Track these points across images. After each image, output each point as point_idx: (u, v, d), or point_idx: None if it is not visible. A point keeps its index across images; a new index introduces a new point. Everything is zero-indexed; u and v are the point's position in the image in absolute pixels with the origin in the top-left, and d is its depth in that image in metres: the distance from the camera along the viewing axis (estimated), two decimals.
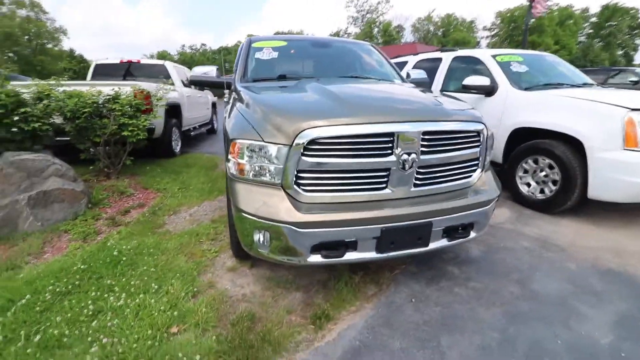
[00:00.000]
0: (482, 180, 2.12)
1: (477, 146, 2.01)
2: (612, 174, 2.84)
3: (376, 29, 51.99)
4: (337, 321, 1.93)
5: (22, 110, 3.19)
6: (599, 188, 2.95)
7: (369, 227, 1.76)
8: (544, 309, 2.01)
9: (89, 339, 1.73)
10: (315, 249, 1.80)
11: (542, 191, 3.45)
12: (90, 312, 1.92)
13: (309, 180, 1.76)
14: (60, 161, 3.31)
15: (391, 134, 1.73)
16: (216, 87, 3.00)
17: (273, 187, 1.80)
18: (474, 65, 4.26)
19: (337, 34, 63.21)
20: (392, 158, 1.76)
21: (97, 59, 6.71)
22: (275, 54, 3.06)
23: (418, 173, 1.85)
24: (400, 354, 1.69)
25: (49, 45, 28.87)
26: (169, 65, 6.57)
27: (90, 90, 3.72)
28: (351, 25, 57.58)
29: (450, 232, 2.01)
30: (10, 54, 24.27)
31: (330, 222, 1.72)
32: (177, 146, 6.01)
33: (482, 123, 2.00)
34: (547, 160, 3.31)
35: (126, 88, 4.18)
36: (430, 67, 5.04)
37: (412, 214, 1.81)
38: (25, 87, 3.67)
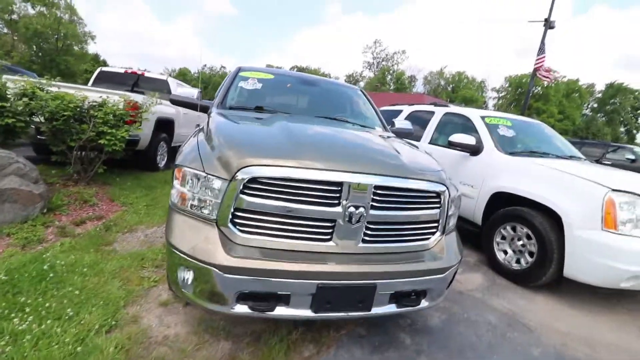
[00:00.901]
0: (441, 244, 1.97)
1: (437, 208, 1.88)
2: (588, 254, 2.69)
3: (389, 77, 54.31)
4: None
5: None
6: (574, 267, 2.78)
7: (304, 281, 1.59)
8: None
9: None
10: (242, 298, 1.62)
11: (518, 261, 3.27)
12: None
13: (247, 221, 1.63)
14: (25, 160, 3.21)
15: (339, 184, 1.62)
16: (194, 109, 2.95)
17: (208, 223, 1.66)
18: (463, 123, 4.26)
19: (351, 76, 66.08)
20: (339, 209, 1.63)
21: (115, 65, 6.85)
22: (259, 85, 3.06)
23: (367, 229, 1.72)
24: None
25: (75, 47, 30.16)
26: (172, 81, 6.69)
27: (74, 95, 3.70)
28: (366, 70, 60.36)
29: (398, 298, 1.82)
30: (35, 49, 25.38)
31: (261, 271, 1.56)
32: (162, 161, 5.95)
33: (444, 185, 1.89)
34: (525, 230, 3.17)
35: (114, 97, 4.18)
36: (423, 118, 5.08)
37: (354, 273, 1.64)
38: (14, 82, 3.67)
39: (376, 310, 1.76)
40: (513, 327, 2.51)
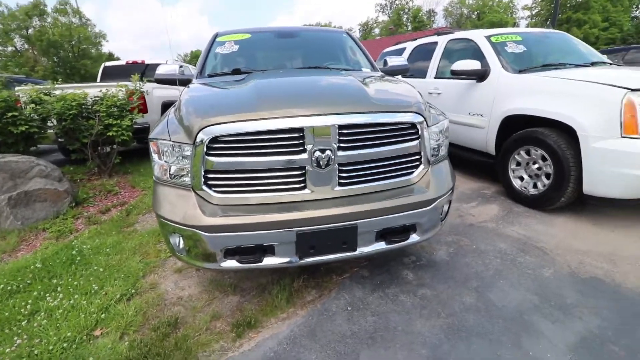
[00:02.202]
0: (428, 176, 1.89)
1: (415, 139, 1.78)
2: (608, 166, 2.45)
3: (405, 16, 50.05)
4: (261, 329, 1.83)
5: (10, 114, 3.38)
6: (594, 182, 2.56)
7: (282, 230, 1.63)
8: (494, 323, 1.77)
9: (15, 338, 1.78)
10: (229, 254, 1.70)
11: (535, 186, 3.08)
12: (27, 312, 1.97)
13: (219, 182, 1.66)
14: (46, 162, 3.48)
15: (300, 129, 1.58)
16: (180, 84, 2.95)
17: (185, 189, 1.72)
18: (469, 48, 3.88)
19: (366, 24, 61.76)
20: (305, 156, 1.60)
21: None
22: (235, 48, 2.97)
23: (341, 171, 1.69)
24: None
25: (92, 50, 31.01)
26: (169, 63, 6.71)
27: (75, 93, 3.87)
28: (380, 14, 55.99)
29: (386, 235, 1.82)
30: (55, 60, 26.55)
31: (239, 226, 1.62)
32: None
33: (419, 114, 1.77)
34: (540, 152, 2.94)
35: (112, 89, 4.30)
36: (427, 52, 4.70)
37: (330, 216, 1.64)
38: (23, 91, 3.90)
39: (363, 249, 1.77)
40: (525, 251, 2.43)
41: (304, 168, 1.64)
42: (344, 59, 3.02)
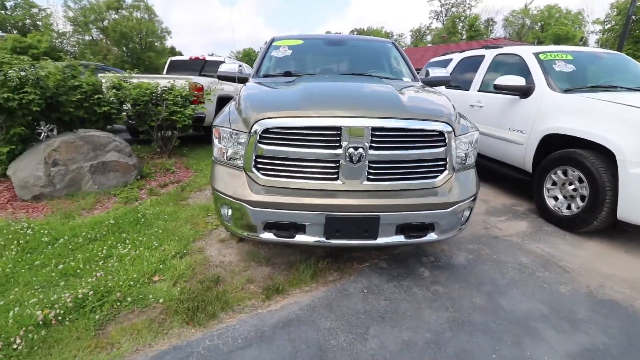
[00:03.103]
0: (451, 182, 2.05)
1: (442, 146, 1.97)
2: None
3: (461, 24, 48.37)
4: (286, 296, 2.12)
5: (97, 96, 4.03)
6: (629, 208, 2.53)
7: (314, 213, 1.90)
8: (498, 324, 1.89)
9: (94, 273, 2.24)
10: (268, 227, 2.01)
11: (568, 207, 3.07)
12: (103, 255, 2.45)
13: (266, 166, 1.98)
14: (120, 139, 4.09)
15: (338, 128, 1.84)
16: (238, 81, 3.35)
17: (238, 169, 2.06)
18: (516, 64, 3.89)
19: (418, 31, 60.59)
20: (339, 151, 1.86)
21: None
22: (289, 52, 3.31)
23: (370, 168, 1.92)
24: (325, 332, 1.81)
25: (156, 44, 33.97)
26: (229, 62, 7.33)
27: (148, 82, 4.47)
28: (434, 21, 54.69)
29: (405, 230, 2.02)
30: (124, 50, 29.63)
31: (278, 204, 1.92)
32: None
33: (447, 123, 1.95)
34: (577, 173, 2.93)
35: (180, 81, 4.88)
36: (474, 65, 4.74)
37: (357, 205, 1.89)
38: (106, 78, 4.59)
39: (383, 240, 1.99)
40: (546, 267, 2.48)
41: (338, 162, 1.90)
42: (387, 68, 3.24)
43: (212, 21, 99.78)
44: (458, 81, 5.02)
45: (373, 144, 1.87)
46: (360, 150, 1.85)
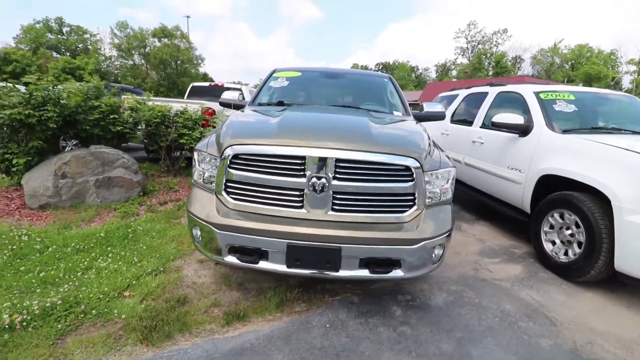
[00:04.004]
0: (421, 217, 2.01)
1: (409, 181, 1.95)
2: None
3: (487, 61, 48.65)
4: (247, 323, 2.09)
5: (112, 116, 4.35)
6: (626, 259, 2.34)
7: (275, 240, 1.91)
8: None
9: (70, 283, 2.32)
10: (232, 251, 2.03)
11: (566, 253, 2.88)
12: (84, 267, 2.54)
13: (235, 190, 2.03)
14: (128, 156, 4.34)
15: (302, 157, 1.88)
16: (235, 108, 3.53)
17: (211, 192, 2.13)
18: (517, 102, 3.84)
19: (443, 66, 61.49)
20: (303, 180, 1.89)
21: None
22: (286, 83, 3.46)
23: (335, 198, 1.93)
24: None
25: (191, 70, 36.50)
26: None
27: (162, 105, 4.78)
28: (459, 56, 55.43)
29: (370, 265, 1.97)
30: (162, 75, 32.11)
31: (242, 229, 1.94)
32: None
33: (414, 159, 1.94)
34: (574, 217, 2.77)
35: (194, 106, 5.19)
36: (477, 101, 4.73)
37: (317, 235, 1.88)
38: (127, 100, 4.96)
39: (346, 273, 1.95)
40: (531, 318, 2.30)
41: (302, 190, 1.92)
42: (379, 102, 3.30)
43: (246, 51, 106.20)
44: (463, 116, 5.01)
45: (337, 175, 1.89)
46: (324, 180, 1.87)
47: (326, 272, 1.95)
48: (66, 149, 5.78)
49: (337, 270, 1.94)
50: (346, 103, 3.09)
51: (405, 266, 1.97)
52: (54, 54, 34.11)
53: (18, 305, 2.03)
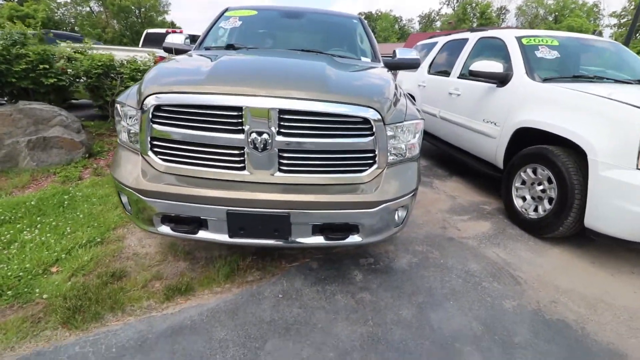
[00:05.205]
0: (381, 177, 1.76)
1: (368, 136, 1.67)
2: (616, 199, 2.12)
3: (472, 12, 46.65)
4: (190, 297, 1.89)
5: (42, 66, 3.73)
6: (597, 216, 2.24)
7: (212, 207, 1.63)
8: (418, 344, 1.65)
9: None
10: (168, 220, 1.75)
11: (535, 209, 2.78)
12: (5, 241, 2.22)
13: (164, 150, 1.70)
14: (67, 113, 3.81)
15: (239, 108, 1.55)
16: (177, 53, 3.03)
17: (135, 152, 1.78)
18: (498, 48, 3.51)
19: (428, 16, 58.71)
20: (241, 136, 1.58)
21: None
22: (238, 24, 2.97)
23: (281, 157, 1.64)
24: (215, 344, 1.58)
25: (158, 18, 33.12)
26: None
27: (102, 54, 4.15)
28: (444, 7, 52.83)
29: (325, 230, 1.75)
30: (123, 24, 28.97)
31: (174, 195, 1.64)
32: None
33: (375, 109, 1.64)
34: (547, 172, 2.62)
35: (142, 54, 4.55)
36: (456, 49, 4.36)
37: (260, 201, 1.61)
38: (59, 50, 4.26)
39: (298, 240, 1.73)
40: (496, 277, 2.21)
41: (243, 149, 1.61)
42: (345, 46, 2.89)
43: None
44: (441, 66, 4.66)
45: (281, 129, 1.58)
46: (265, 136, 1.56)
47: (276, 241, 1.72)
48: None
49: (287, 239, 1.71)
50: (307, 47, 2.67)
51: (364, 231, 1.76)
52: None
53: None
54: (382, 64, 2.71)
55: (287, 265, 2.22)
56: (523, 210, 2.87)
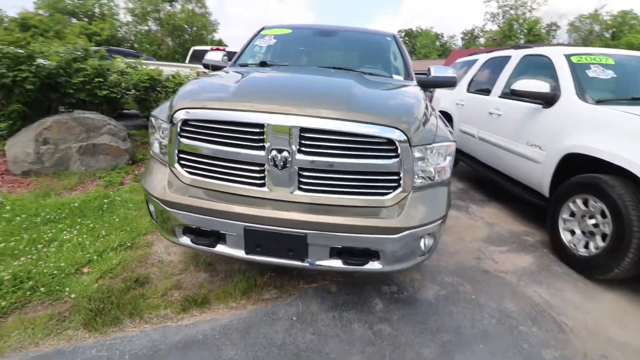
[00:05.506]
0: (406, 202, 1.66)
1: (392, 157, 1.59)
2: None
3: (519, 29, 44.73)
4: (206, 311, 1.88)
5: (97, 80, 4.09)
6: None
7: (231, 222, 1.63)
8: None
9: (27, 255, 2.17)
10: (189, 232, 1.78)
11: (586, 245, 2.48)
12: (48, 239, 2.38)
13: (190, 162, 1.74)
14: (116, 122, 4.12)
15: (261, 125, 1.55)
16: (213, 69, 3.16)
17: (164, 164, 1.85)
18: (543, 67, 3.28)
19: (471, 33, 57.31)
20: (262, 153, 1.57)
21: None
22: (272, 42, 3.05)
23: (301, 176, 1.61)
24: None
25: (209, 37, 35.58)
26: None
27: (151, 69, 4.47)
28: (489, 23, 51.23)
29: (343, 254, 1.67)
30: (177, 42, 31.45)
31: (192, 207, 1.67)
32: None
33: (400, 130, 1.55)
34: (600, 204, 2.34)
35: (186, 70, 4.84)
36: (498, 66, 4.14)
37: (280, 220, 1.58)
38: (113, 64, 4.67)
39: (315, 262, 1.67)
40: (536, 321, 1.97)
41: (263, 165, 1.61)
42: (376, 64, 2.85)
43: (264, 16, 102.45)
44: (481, 85, 4.44)
45: (302, 148, 1.55)
46: (285, 153, 1.54)
47: (292, 261, 1.67)
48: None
49: (303, 260, 1.66)
50: (338, 64, 2.66)
51: (385, 258, 1.66)
52: (73, 20, 33.93)
53: None
54: (414, 82, 2.62)
55: (304, 285, 2.15)
56: (571, 245, 2.57)
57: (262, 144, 1.57)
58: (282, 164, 1.56)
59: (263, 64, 2.75)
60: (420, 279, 2.31)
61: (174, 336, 1.68)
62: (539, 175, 2.99)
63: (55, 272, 2.04)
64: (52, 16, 30.98)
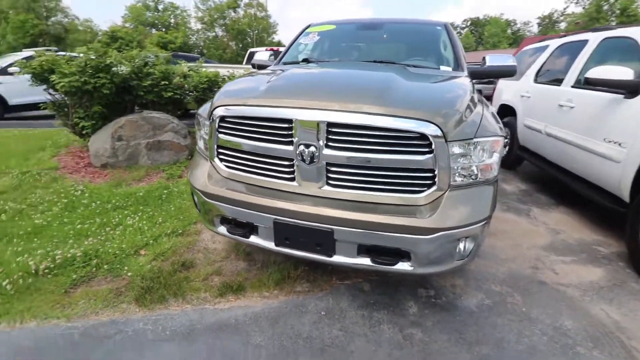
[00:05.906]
0: (441, 201, 1.55)
1: (425, 153, 1.49)
2: None
3: (609, 9, 38.56)
4: (240, 297, 1.98)
5: (163, 83, 4.53)
6: None
7: (263, 214, 1.69)
8: None
9: (97, 236, 2.51)
10: (224, 222, 1.89)
11: None
12: (114, 223, 2.73)
13: (227, 157, 1.84)
14: (178, 121, 4.53)
15: (289, 121, 1.57)
16: (259, 69, 3.28)
17: (206, 158, 1.99)
18: (627, 51, 2.78)
19: (548, 17, 51.13)
20: (290, 147, 1.60)
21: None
22: (317, 39, 3.06)
23: (329, 171, 1.60)
24: (250, 348, 1.61)
25: (269, 39, 37.30)
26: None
27: (209, 71, 4.81)
28: (572, 5, 45.13)
29: (372, 252, 1.63)
30: (240, 45, 33.57)
31: (227, 199, 1.77)
32: None
33: (434, 123, 1.45)
34: None
35: (240, 71, 5.12)
36: (572, 52, 3.63)
37: (308, 214, 1.60)
38: (178, 68, 5.13)
39: (341, 259, 1.65)
40: (598, 343, 1.70)
41: (292, 160, 1.63)
42: (422, 55, 2.69)
43: (323, 15, 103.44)
44: (551, 74, 3.94)
45: (330, 143, 1.54)
46: (312, 148, 1.54)
47: (319, 256, 1.68)
48: None
49: (330, 255, 1.65)
50: (382, 58, 2.57)
51: (417, 260, 1.57)
52: (153, 30, 38.20)
53: (50, 253, 2.25)
54: (465, 73, 2.43)
55: (337, 282, 2.14)
56: None
57: (290, 139, 1.59)
58: (309, 158, 1.56)
59: (305, 61, 2.79)
60: (463, 285, 2.14)
61: (209, 318, 1.80)
62: (618, 176, 2.56)
63: (117, 252, 2.32)
64: (136, 28, 35.21)
